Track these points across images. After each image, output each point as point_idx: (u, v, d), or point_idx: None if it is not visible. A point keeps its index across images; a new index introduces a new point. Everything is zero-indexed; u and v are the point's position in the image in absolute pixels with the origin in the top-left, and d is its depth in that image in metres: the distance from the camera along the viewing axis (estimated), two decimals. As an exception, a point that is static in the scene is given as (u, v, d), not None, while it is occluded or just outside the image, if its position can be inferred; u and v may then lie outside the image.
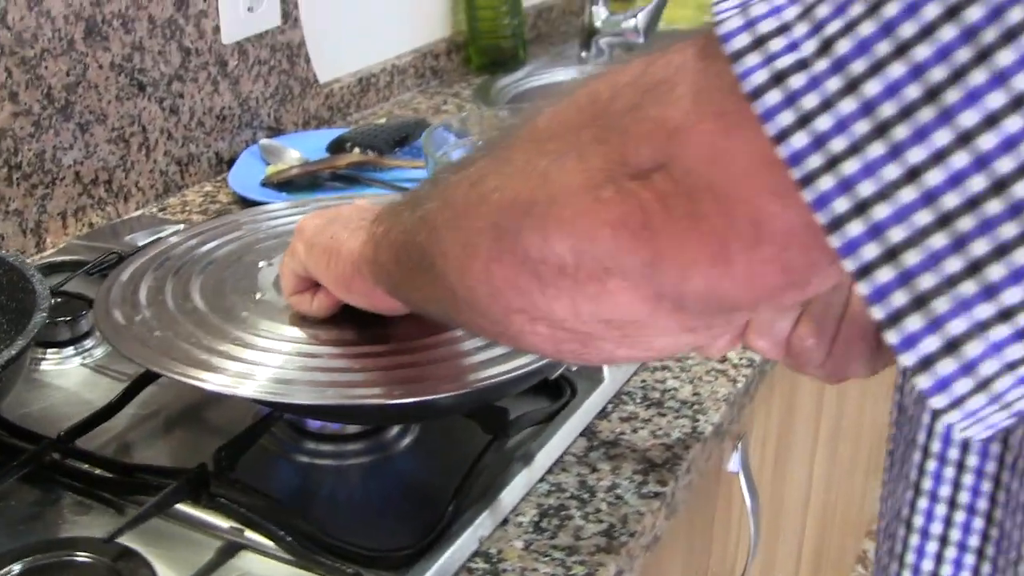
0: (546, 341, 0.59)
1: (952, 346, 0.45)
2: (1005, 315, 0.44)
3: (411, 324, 0.87)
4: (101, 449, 0.97)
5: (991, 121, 0.41)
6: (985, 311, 0.44)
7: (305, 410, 0.91)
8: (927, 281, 0.44)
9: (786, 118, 0.45)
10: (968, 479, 0.73)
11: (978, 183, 0.42)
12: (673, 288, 0.52)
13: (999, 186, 0.42)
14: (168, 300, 0.95)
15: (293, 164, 1.58)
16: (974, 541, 0.74)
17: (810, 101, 0.45)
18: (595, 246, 0.52)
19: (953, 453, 0.72)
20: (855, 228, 0.45)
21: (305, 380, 0.84)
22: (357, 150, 1.59)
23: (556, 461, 0.97)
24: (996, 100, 0.41)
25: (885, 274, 0.45)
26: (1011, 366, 0.45)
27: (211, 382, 0.84)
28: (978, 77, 0.41)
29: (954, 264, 0.44)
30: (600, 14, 2.11)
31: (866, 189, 0.44)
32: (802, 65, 0.45)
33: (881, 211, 0.44)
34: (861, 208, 0.44)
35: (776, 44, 0.46)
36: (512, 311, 0.59)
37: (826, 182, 0.45)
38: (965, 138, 0.42)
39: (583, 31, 2.14)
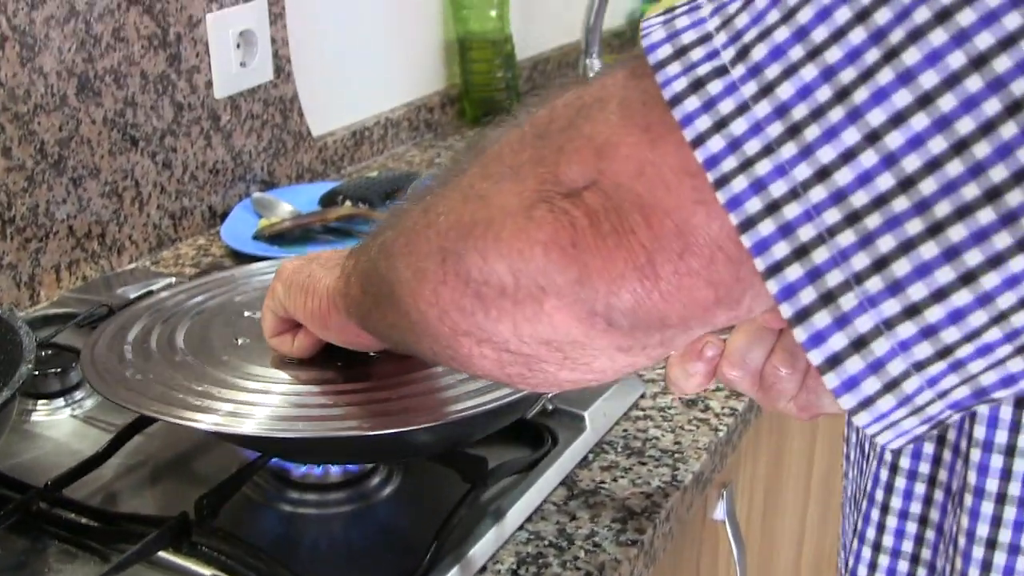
0: (493, 364, 0.59)
1: (859, 344, 0.46)
2: (910, 312, 0.44)
3: (391, 362, 0.88)
4: (88, 498, 0.98)
5: (898, 119, 0.42)
6: (891, 308, 0.45)
7: (272, 444, 0.92)
8: (835, 278, 0.45)
9: (703, 123, 0.47)
10: (900, 482, 0.74)
11: (885, 181, 0.43)
12: (603, 305, 0.52)
13: (906, 184, 0.43)
14: (152, 346, 0.96)
15: (285, 217, 1.60)
16: (908, 546, 0.75)
17: (727, 106, 0.46)
18: (529, 266, 0.53)
19: (887, 455, 0.73)
20: (766, 227, 0.46)
21: (277, 416, 0.86)
22: (348, 203, 1.61)
23: (535, 510, 0.98)
24: (903, 99, 0.42)
25: (794, 272, 0.46)
26: (918, 366, 0.46)
27: (173, 416, 0.86)
28: (886, 76, 0.42)
29: (861, 261, 0.44)
30: (595, 66, 2.13)
31: (778, 189, 0.45)
32: (720, 72, 0.47)
33: (792, 210, 0.45)
34: (772, 208, 0.45)
35: (697, 53, 0.48)
36: (459, 333, 0.59)
37: (739, 183, 0.46)
38: (873, 137, 0.43)
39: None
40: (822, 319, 0.46)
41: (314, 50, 1.81)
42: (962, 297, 0.43)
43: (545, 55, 2.44)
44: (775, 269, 0.46)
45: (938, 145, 0.42)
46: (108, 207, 1.46)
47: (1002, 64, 0.40)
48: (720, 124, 0.46)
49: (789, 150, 0.45)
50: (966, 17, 0.41)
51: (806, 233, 0.45)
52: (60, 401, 1.15)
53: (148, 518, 0.93)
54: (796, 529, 1.75)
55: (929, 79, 0.42)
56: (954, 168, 0.42)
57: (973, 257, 0.43)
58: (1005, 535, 0.68)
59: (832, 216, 0.44)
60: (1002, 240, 0.42)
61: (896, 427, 0.48)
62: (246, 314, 1.01)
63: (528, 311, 0.54)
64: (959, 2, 0.41)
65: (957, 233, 0.42)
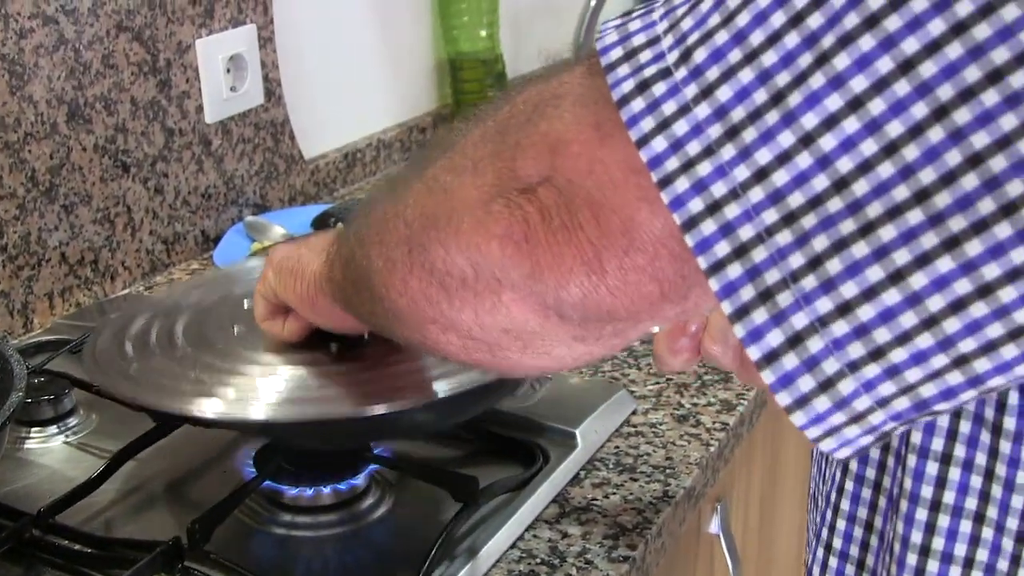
0: (459, 350, 0.62)
1: (795, 340, 0.47)
2: (842, 310, 0.45)
3: (381, 344, 0.89)
4: (82, 524, 0.98)
5: (830, 123, 0.43)
6: (824, 305, 0.46)
7: (258, 428, 0.94)
8: (772, 276, 0.46)
9: (648, 124, 0.48)
10: (850, 486, 0.75)
11: (820, 182, 0.44)
12: (553, 298, 0.54)
13: (839, 185, 0.44)
14: (152, 339, 0.99)
15: (278, 240, 1.60)
16: (854, 551, 0.76)
17: (670, 107, 0.48)
18: (487, 260, 0.55)
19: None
20: (708, 227, 0.47)
21: (267, 400, 0.88)
22: (341, 225, 1.61)
23: (527, 527, 0.98)
24: (834, 103, 0.43)
25: (734, 270, 0.47)
26: (852, 366, 0.46)
27: (166, 405, 0.89)
28: (818, 80, 0.43)
29: (797, 260, 0.45)
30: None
31: (718, 190, 0.46)
32: (665, 74, 0.48)
33: (732, 211, 0.46)
34: (714, 208, 0.47)
35: (645, 56, 0.49)
36: (427, 321, 0.62)
37: (682, 184, 0.47)
38: (807, 140, 0.44)
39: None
40: (760, 316, 0.47)
41: (304, 73, 1.82)
42: (891, 296, 0.44)
43: (536, 74, 2.44)
44: (717, 267, 0.47)
45: (869, 148, 0.43)
46: (100, 233, 1.46)
47: (927, 70, 0.41)
48: (663, 125, 0.48)
49: (728, 151, 0.46)
50: (893, 23, 0.41)
51: (745, 233, 0.46)
52: (53, 428, 1.15)
53: (141, 543, 0.93)
54: (793, 542, 1.76)
55: (859, 83, 0.43)
56: (885, 170, 0.43)
57: (901, 256, 0.44)
58: (938, 543, 0.69)
59: (770, 216, 0.46)
60: (929, 240, 0.43)
61: (838, 434, 0.49)
62: (245, 304, 1.01)
63: (487, 302, 0.57)
64: (886, 7, 0.41)
65: (887, 233, 0.43)
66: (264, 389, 0.89)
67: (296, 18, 1.78)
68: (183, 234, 1.60)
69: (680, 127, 0.47)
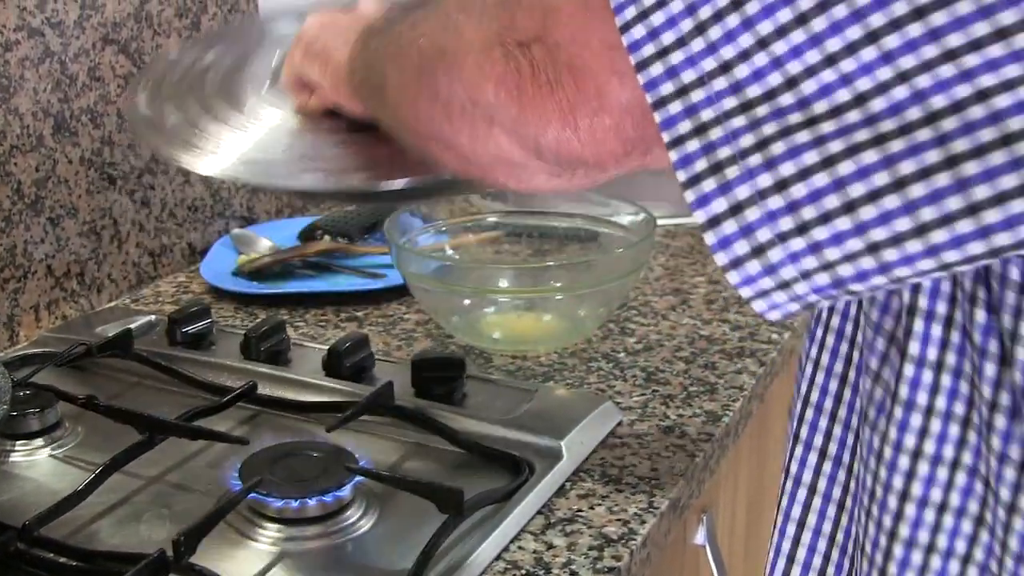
0: (456, 166, 0.74)
1: (736, 209, 0.56)
2: (779, 186, 0.54)
3: None
4: (67, 537, 0.98)
5: (781, 32, 0.52)
6: (765, 181, 0.54)
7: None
8: (724, 152, 0.55)
9: (630, 12, 0.57)
10: (836, 428, 0.77)
11: (775, 79, 0.53)
12: (533, 141, 0.64)
13: (790, 83, 0.53)
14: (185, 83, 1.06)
15: (265, 253, 1.60)
16: (837, 492, 0.78)
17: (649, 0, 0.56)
18: (482, 97, 0.65)
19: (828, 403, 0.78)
20: (675, 107, 0.56)
21: (285, 160, 0.97)
22: (327, 237, 1.62)
23: (512, 539, 0.98)
24: (784, 16, 0.52)
25: (692, 145, 0.56)
26: (781, 237, 0.55)
27: (193, 163, 0.96)
28: None
29: (748, 140, 0.54)
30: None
31: (687, 77, 0.55)
32: None
33: (697, 95, 0.55)
34: (681, 92, 0.56)
35: None
36: (430, 138, 0.73)
37: (656, 68, 0.56)
38: (762, 43, 0.53)
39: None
40: (709, 185, 0.56)
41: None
42: (821, 179, 0.53)
43: None
44: (677, 141, 0.56)
45: (813, 57, 0.51)
46: (87, 246, 1.46)
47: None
48: (643, 14, 0.56)
49: (698, 45, 0.55)
50: None
51: (707, 115, 0.55)
52: (39, 441, 1.14)
53: (127, 556, 0.93)
54: (781, 553, 1.75)
55: (807, 2, 0.51)
56: (827, 76, 0.51)
57: (836, 145, 0.52)
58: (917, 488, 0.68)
59: (729, 103, 0.54)
60: (861, 135, 0.51)
61: (767, 297, 0.58)
62: (276, 52, 1.09)
63: (480, 131, 0.67)
64: None
65: (828, 127, 0.52)
66: (275, 149, 0.97)
67: (283, 31, 1.78)
68: (170, 246, 1.60)
69: (657, 18, 0.56)
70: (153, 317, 1.40)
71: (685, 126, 0.56)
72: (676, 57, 0.55)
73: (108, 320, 1.41)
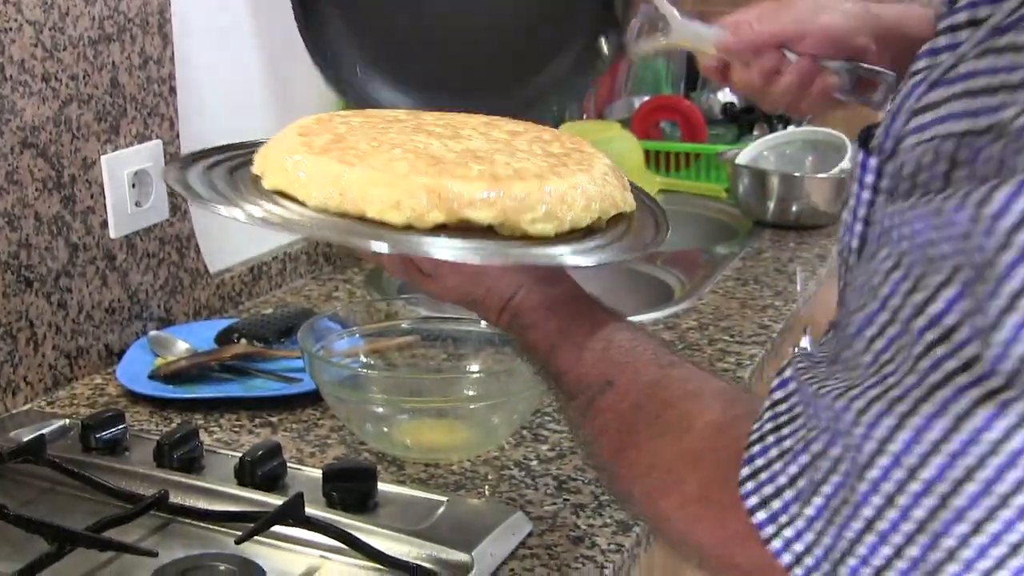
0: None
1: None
2: None
3: None
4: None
5: None
6: None
7: None
8: None
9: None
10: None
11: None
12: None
13: None
14: None
15: (182, 356, 1.61)
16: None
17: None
18: (677, 527, 0.84)
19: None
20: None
21: None
22: (244, 341, 1.63)
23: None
24: None
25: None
26: None
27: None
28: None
29: None
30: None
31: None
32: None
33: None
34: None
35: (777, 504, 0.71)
36: (604, 456, 0.92)
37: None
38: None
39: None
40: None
41: (211, 188, 1.83)
42: None
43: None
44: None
45: None
46: (2, 349, 1.46)
47: None
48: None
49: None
50: None
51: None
52: (-52, 549, 1.14)
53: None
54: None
55: None
56: None
57: None
58: None
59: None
60: None
61: None
62: None
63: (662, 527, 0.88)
64: None
65: None
66: None
67: (203, 131, 1.79)
68: (86, 348, 1.60)
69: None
70: (67, 421, 1.40)
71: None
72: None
73: (22, 424, 1.40)
